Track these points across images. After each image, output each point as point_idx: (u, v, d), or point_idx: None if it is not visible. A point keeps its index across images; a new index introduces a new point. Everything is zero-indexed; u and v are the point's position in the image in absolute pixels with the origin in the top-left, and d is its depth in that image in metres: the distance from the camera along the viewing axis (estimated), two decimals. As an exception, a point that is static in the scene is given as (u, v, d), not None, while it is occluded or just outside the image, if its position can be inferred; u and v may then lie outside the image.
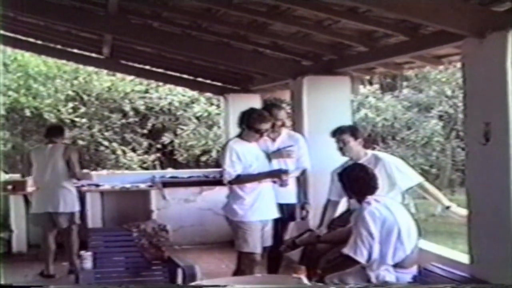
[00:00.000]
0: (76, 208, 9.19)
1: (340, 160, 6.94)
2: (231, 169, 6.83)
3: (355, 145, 6.74)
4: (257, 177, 6.94)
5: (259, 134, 6.94)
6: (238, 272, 6.95)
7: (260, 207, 6.91)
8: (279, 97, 11.33)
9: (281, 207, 7.31)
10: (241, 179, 6.86)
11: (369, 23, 6.36)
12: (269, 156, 7.19)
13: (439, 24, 5.31)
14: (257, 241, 6.90)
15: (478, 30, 4.97)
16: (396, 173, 6.51)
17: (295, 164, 7.44)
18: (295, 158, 7.39)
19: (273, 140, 7.44)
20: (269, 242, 7.07)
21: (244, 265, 6.94)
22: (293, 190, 7.45)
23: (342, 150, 6.80)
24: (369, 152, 6.83)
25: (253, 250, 6.88)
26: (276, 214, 7.07)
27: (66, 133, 9.89)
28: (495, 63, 4.89)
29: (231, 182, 6.89)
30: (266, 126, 6.96)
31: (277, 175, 6.95)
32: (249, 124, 6.93)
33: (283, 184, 6.94)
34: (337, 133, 6.84)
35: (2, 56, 16.58)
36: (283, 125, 7.53)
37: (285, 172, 6.93)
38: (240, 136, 7.03)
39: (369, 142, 6.99)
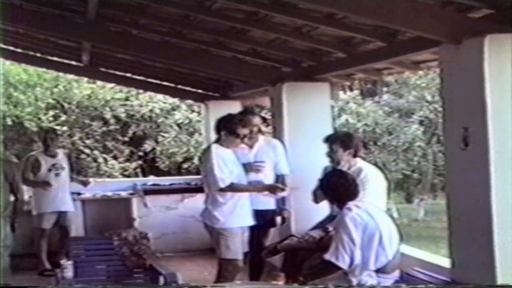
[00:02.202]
0: (34, 211, 9.74)
1: (320, 165, 6.95)
2: (223, 175, 6.75)
3: (344, 155, 6.67)
4: (253, 188, 7.06)
5: (240, 139, 6.91)
6: (220, 279, 6.92)
7: (240, 213, 6.88)
8: (259, 103, 11.33)
9: (260, 213, 7.30)
10: (234, 187, 6.83)
11: (347, 29, 6.39)
12: (245, 165, 7.19)
13: (416, 30, 5.33)
14: (239, 247, 6.87)
15: (455, 36, 5.00)
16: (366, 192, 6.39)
17: (273, 171, 7.45)
18: (264, 172, 7.36)
19: (250, 147, 7.40)
20: (245, 248, 7.05)
21: (227, 272, 6.89)
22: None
23: (331, 158, 6.76)
24: (358, 163, 6.70)
25: (235, 257, 6.85)
26: (252, 221, 7.03)
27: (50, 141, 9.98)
28: (472, 69, 4.92)
29: (223, 189, 6.81)
30: (246, 131, 6.96)
31: (273, 190, 7.02)
32: (231, 129, 6.88)
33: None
34: (329, 141, 6.81)
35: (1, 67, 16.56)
36: (259, 131, 7.49)
37: (282, 189, 6.94)
38: (218, 142, 7.00)
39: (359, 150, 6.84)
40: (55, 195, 9.74)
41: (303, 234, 6.73)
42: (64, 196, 9.80)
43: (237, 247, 6.86)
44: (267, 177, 7.37)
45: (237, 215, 6.87)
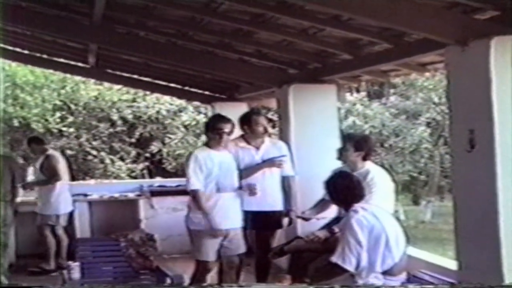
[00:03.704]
0: None
1: (326, 167, 6.94)
2: (195, 179, 6.82)
3: (352, 155, 6.63)
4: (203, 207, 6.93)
5: (219, 135, 6.89)
6: (194, 279, 6.93)
7: (217, 216, 6.83)
8: (266, 105, 11.32)
9: (267, 214, 7.33)
10: (196, 195, 6.85)
11: (353, 31, 6.39)
12: (266, 161, 7.26)
13: (422, 32, 5.33)
14: (210, 249, 6.87)
15: (461, 38, 4.99)
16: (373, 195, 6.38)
17: (279, 172, 7.45)
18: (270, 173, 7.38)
19: (257, 148, 7.40)
20: (240, 249, 7.05)
21: (198, 272, 6.95)
22: (279, 197, 7.44)
23: (340, 154, 6.74)
24: (367, 165, 6.64)
25: (205, 259, 6.90)
26: (238, 224, 7.01)
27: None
28: (478, 71, 4.91)
29: (193, 191, 6.88)
30: (224, 126, 6.90)
31: (250, 189, 7.01)
32: (210, 126, 7.01)
33: (251, 193, 6.95)
34: (345, 137, 6.85)
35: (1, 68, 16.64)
36: (265, 131, 7.49)
37: (253, 187, 6.95)
38: (206, 144, 7.05)
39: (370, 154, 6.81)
40: None
41: (308, 234, 6.72)
42: (40, 200, 10.01)
43: (207, 249, 6.86)
44: (274, 178, 7.38)
45: (214, 218, 6.82)
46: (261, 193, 7.25)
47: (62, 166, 9.99)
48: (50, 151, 10.17)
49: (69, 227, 10.16)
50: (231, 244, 6.95)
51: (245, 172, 7.20)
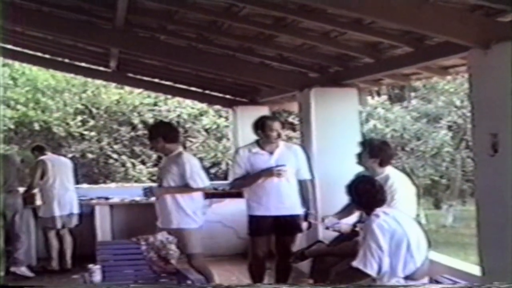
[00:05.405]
0: None
1: (347, 170, 6.91)
2: None
3: (368, 161, 6.65)
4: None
5: None
6: None
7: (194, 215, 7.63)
8: (287, 109, 11.32)
9: (286, 218, 7.33)
10: None
11: (374, 34, 6.37)
12: (265, 171, 7.37)
13: (444, 35, 5.30)
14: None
15: (483, 41, 4.96)
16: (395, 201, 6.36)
17: (295, 176, 7.44)
18: (286, 177, 7.38)
19: (271, 153, 7.38)
20: (186, 250, 7.44)
21: None
22: (297, 201, 7.43)
23: (359, 159, 6.75)
24: (386, 171, 6.60)
25: None
26: (177, 225, 7.53)
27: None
28: (501, 74, 4.87)
29: None
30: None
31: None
32: None
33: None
34: (361, 144, 6.84)
35: (1, 69, 16.78)
36: (279, 136, 7.46)
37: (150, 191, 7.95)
38: None
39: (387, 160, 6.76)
40: None
41: (331, 220, 6.82)
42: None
43: None
44: (290, 182, 7.36)
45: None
46: (279, 198, 7.29)
47: (49, 170, 10.00)
48: (43, 157, 10.20)
49: (81, 229, 10.28)
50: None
51: (247, 180, 7.39)
